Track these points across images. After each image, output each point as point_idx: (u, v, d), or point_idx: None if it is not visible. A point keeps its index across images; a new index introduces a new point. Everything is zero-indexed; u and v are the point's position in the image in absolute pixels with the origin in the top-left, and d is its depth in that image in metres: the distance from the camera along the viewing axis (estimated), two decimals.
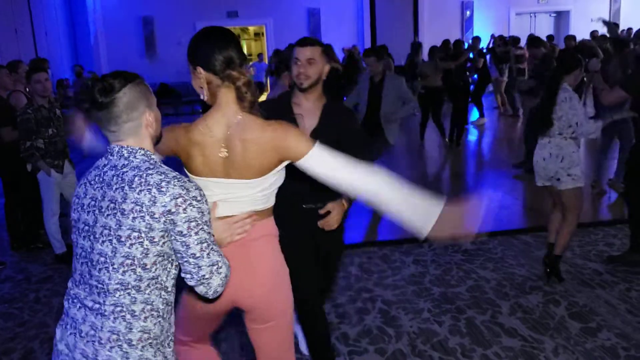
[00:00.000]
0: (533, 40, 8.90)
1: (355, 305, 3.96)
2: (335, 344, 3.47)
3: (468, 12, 17.08)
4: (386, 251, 4.91)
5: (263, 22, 16.97)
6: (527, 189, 6.65)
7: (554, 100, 3.99)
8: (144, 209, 1.59)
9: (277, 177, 2.03)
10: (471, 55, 11.17)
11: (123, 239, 1.60)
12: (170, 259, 1.68)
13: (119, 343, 1.62)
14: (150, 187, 1.60)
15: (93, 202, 1.66)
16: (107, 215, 1.62)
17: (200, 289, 1.68)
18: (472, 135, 10.47)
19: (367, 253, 4.90)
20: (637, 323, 3.58)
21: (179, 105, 16.18)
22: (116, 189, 1.63)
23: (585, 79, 6.73)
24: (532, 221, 5.69)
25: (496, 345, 3.40)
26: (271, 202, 2.09)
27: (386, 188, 1.91)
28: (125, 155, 1.68)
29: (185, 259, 1.65)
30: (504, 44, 11.94)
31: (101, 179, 1.67)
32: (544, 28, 17.34)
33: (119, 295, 1.62)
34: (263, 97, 15.21)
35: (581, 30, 14.41)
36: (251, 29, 20.27)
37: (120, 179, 1.63)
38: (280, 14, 16.40)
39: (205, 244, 1.65)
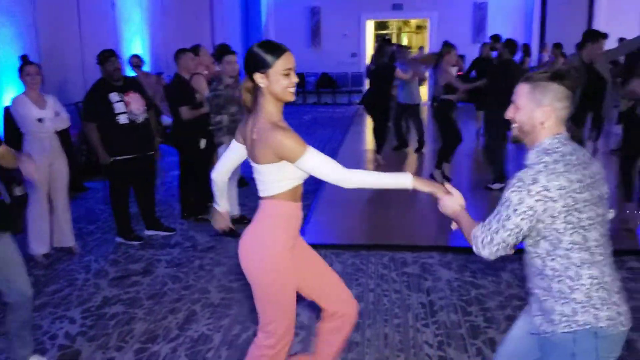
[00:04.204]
0: None
1: (505, 312, 3.84)
2: (482, 347, 3.40)
3: None
4: None
5: (427, 15, 16.80)
6: None
7: None
8: None
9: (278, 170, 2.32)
10: None
11: None
12: None
13: None
14: None
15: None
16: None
17: None
18: None
19: (520, 260, 4.70)
20: None
21: (338, 95, 16.57)
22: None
23: None
24: None
25: None
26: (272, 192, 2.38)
27: (362, 176, 2.30)
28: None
29: None
30: None
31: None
32: None
33: None
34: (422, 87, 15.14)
35: None
36: (413, 21, 20.16)
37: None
38: (445, 7, 16.13)
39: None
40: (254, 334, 3.59)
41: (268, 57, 2.26)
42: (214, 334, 3.64)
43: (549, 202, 1.83)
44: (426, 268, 4.60)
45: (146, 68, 10.13)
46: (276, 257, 2.40)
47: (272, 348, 2.50)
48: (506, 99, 2.13)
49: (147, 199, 5.47)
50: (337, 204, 6.36)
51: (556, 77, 1.92)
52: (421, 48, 16.42)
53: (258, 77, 2.29)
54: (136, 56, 8.83)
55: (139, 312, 3.96)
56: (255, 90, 2.36)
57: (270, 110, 2.33)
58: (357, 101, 14.68)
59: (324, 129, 12.14)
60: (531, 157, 1.96)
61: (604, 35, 5.32)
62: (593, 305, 1.91)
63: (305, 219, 5.71)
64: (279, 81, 2.27)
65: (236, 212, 5.62)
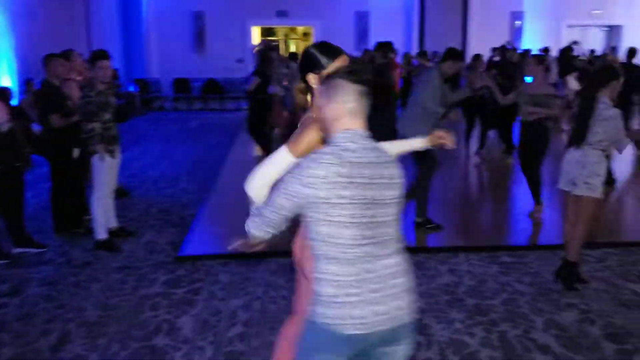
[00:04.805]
0: None
1: None
2: None
3: (518, 22, 16.76)
4: (420, 258, 4.86)
5: (312, 23, 17.04)
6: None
7: (591, 115, 4.03)
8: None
9: None
10: None
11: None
12: None
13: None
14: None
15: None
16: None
17: None
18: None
19: (417, 258, 4.86)
20: None
21: (226, 101, 16.41)
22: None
23: None
24: None
25: None
26: None
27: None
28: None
29: None
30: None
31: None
32: (595, 42, 16.99)
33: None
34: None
35: (635, 45, 13.98)
36: (299, 28, 20.39)
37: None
38: (329, 15, 16.44)
39: None
40: (134, 352, 3.46)
41: (323, 59, 2.29)
42: (89, 354, 3.44)
43: (312, 189, 1.88)
44: None
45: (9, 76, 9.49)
46: None
47: None
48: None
49: (15, 213, 5.10)
50: (223, 212, 6.26)
51: (346, 74, 2.01)
52: None
53: (311, 78, 2.31)
54: None
55: (5, 337, 3.67)
56: (309, 91, 2.38)
57: None
58: (247, 107, 14.59)
59: (211, 135, 11.93)
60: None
61: (462, 59, 5.91)
62: (324, 300, 1.94)
63: (190, 229, 5.57)
64: None
65: (114, 224, 5.37)
